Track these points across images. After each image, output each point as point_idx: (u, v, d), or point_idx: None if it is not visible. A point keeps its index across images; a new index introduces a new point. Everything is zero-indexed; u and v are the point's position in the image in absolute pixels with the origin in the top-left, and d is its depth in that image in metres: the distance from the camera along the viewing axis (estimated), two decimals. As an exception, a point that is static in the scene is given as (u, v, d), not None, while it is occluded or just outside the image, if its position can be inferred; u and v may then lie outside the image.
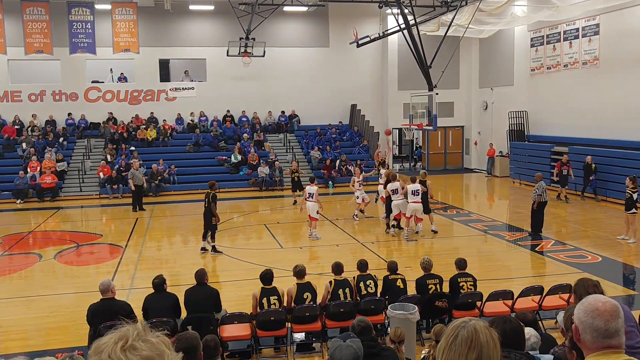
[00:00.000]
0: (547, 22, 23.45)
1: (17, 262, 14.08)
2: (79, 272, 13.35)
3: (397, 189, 15.34)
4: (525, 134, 25.79)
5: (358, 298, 8.75)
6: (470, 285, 8.95)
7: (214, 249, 14.14)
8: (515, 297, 8.91)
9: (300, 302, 8.40)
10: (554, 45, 24.07)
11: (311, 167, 26.56)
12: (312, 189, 15.36)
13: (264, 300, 8.23)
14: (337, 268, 8.83)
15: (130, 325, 1.64)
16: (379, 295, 8.88)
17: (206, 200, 14.12)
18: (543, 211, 15.36)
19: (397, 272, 9.17)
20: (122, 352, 1.55)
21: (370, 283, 8.84)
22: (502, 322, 3.66)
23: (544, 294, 8.99)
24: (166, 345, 1.63)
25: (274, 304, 8.25)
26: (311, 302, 8.42)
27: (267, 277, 8.44)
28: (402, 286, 8.92)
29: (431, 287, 8.85)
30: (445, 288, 9.06)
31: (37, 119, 26.70)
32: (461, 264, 9.26)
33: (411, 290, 9.07)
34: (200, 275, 8.45)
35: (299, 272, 8.61)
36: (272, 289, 8.37)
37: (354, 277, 8.95)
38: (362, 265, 9.08)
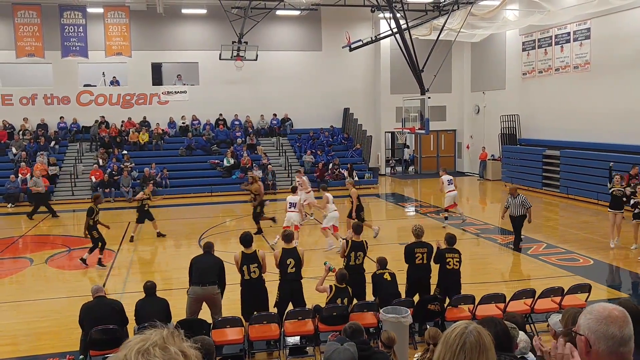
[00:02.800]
0: (539, 27, 23.59)
1: (8, 266, 14.00)
2: (70, 276, 13.27)
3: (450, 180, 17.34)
4: (517, 137, 25.90)
5: (344, 262, 9.09)
6: (456, 261, 9.25)
7: (99, 261, 13.47)
8: (507, 300, 8.94)
9: (283, 267, 8.53)
10: (545, 50, 24.20)
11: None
12: (293, 198, 15.15)
13: (245, 268, 8.42)
14: (342, 277, 8.58)
15: (157, 329, 1.62)
16: (370, 293, 9.04)
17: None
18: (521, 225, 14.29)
19: (386, 267, 9.17)
20: (135, 355, 1.54)
21: (360, 255, 9.16)
22: (494, 324, 3.67)
23: (535, 297, 9.02)
24: (186, 358, 1.59)
25: (254, 272, 8.43)
26: (293, 269, 8.53)
27: (247, 239, 8.65)
28: (389, 279, 8.90)
29: (418, 256, 9.14)
30: (434, 281, 9.09)
31: (28, 123, 26.56)
32: (451, 240, 9.48)
33: (401, 289, 9.07)
34: (209, 246, 8.96)
35: (287, 235, 8.87)
36: (252, 255, 8.54)
37: (347, 241, 9.33)
38: (357, 227, 9.67)
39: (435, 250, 9.46)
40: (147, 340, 1.58)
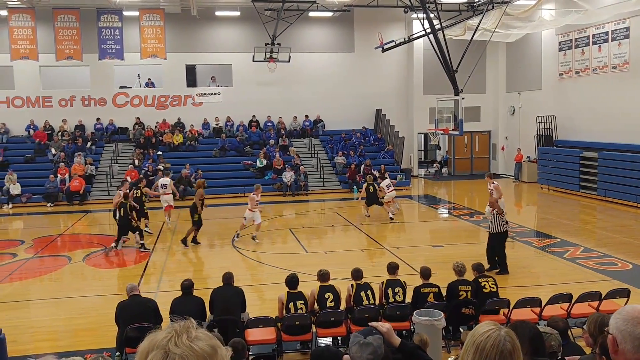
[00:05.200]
0: (576, 26, 23.14)
1: (48, 264, 14.33)
2: (106, 274, 13.53)
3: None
4: (554, 139, 25.46)
5: (384, 302, 8.72)
6: (492, 284, 8.99)
7: (142, 246, 15.15)
8: (543, 304, 8.79)
9: (321, 303, 8.45)
10: (582, 49, 23.73)
11: (336, 172, 26.58)
12: (165, 180, 18.04)
13: (291, 305, 8.30)
14: (357, 274, 8.86)
15: (185, 321, 1.69)
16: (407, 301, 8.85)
17: (121, 209, 15.06)
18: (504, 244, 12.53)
19: (430, 281, 8.99)
20: (189, 342, 1.60)
21: (398, 290, 8.75)
22: (528, 329, 3.62)
23: (572, 302, 8.85)
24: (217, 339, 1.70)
25: (301, 308, 8.31)
26: (332, 303, 8.45)
27: (292, 281, 8.53)
28: (433, 301, 8.66)
29: (462, 294, 8.75)
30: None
31: (67, 124, 27.18)
32: (479, 267, 9.34)
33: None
34: (228, 277, 8.72)
35: (323, 275, 8.71)
36: (298, 293, 8.45)
37: (382, 283, 8.91)
38: (392, 269, 9.04)
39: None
40: (187, 329, 1.64)
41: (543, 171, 25.19)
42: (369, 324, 3.55)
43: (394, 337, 3.35)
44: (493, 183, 15.54)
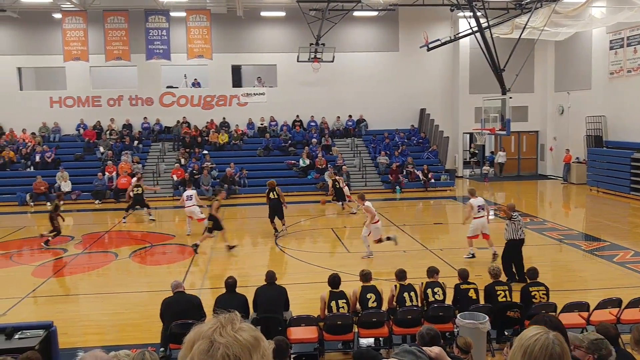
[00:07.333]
0: (628, 24, 22.40)
1: (95, 260, 14.72)
2: (152, 271, 13.81)
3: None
4: (604, 139, 24.73)
5: (425, 304, 8.66)
6: (542, 294, 8.68)
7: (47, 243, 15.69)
8: (591, 309, 8.54)
9: (363, 303, 8.45)
10: (634, 48, 22.97)
11: (378, 172, 26.45)
12: (189, 192, 17.32)
13: (333, 304, 8.36)
14: (401, 274, 8.87)
15: (229, 313, 1.75)
16: (449, 303, 8.74)
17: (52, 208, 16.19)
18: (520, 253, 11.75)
19: (469, 280, 8.98)
20: (234, 332, 1.67)
21: (438, 290, 8.70)
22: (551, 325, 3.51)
23: (622, 307, 8.57)
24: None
25: (342, 307, 8.33)
26: (375, 303, 8.43)
27: (335, 281, 8.60)
28: (474, 297, 8.70)
29: (500, 293, 8.64)
30: (516, 298, 8.81)
31: (114, 123, 27.84)
32: (532, 273, 9.03)
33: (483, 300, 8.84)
34: (271, 276, 8.82)
35: (365, 275, 8.77)
36: (340, 292, 8.50)
37: (421, 284, 8.87)
38: (430, 272, 8.99)
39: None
40: (232, 321, 1.70)
41: (592, 172, 24.51)
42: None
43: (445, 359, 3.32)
44: (363, 205, 14.01)
